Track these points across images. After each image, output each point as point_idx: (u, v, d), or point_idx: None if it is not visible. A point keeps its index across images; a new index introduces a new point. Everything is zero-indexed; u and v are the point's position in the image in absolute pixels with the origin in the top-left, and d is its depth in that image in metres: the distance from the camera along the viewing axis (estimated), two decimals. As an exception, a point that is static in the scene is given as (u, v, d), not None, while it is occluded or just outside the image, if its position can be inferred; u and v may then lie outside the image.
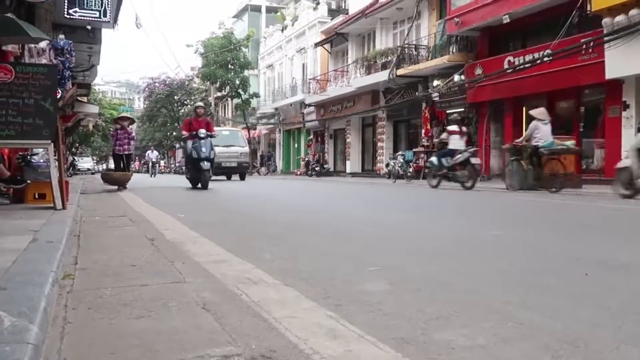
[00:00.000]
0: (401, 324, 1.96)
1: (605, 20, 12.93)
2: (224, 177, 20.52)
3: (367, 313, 2.10)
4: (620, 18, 12.57)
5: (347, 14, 28.49)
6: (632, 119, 13.24)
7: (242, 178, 20.83)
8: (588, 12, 13.35)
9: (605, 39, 13.03)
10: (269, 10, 41.51)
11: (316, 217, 6.38)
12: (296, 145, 35.04)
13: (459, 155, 12.81)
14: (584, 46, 13.66)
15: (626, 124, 13.35)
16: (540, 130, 11.54)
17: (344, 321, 1.95)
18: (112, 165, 16.32)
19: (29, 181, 6.66)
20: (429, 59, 20.21)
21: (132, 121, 14.41)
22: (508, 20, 15.82)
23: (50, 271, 2.39)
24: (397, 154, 20.94)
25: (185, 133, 12.58)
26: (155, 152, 35.55)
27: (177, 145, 50.46)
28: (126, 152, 13.10)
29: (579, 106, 15.53)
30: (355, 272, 2.92)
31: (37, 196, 6.62)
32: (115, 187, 12.24)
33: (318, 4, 31.82)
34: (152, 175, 29.03)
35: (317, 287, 2.52)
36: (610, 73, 13.00)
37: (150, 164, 31.45)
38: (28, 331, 1.57)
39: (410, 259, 3.38)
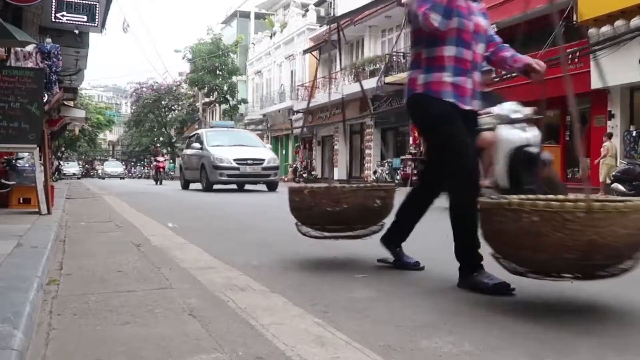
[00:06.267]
0: (388, 330, 1.96)
1: (591, 31, 13.10)
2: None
3: (354, 320, 2.09)
4: (605, 29, 12.74)
5: (335, 21, 28.59)
6: (617, 129, 13.40)
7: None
8: (574, 22, 13.51)
9: (591, 49, 13.19)
10: (258, 16, 41.53)
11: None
12: (284, 152, 35.03)
13: None
14: (570, 56, 13.82)
15: (612, 134, 13.51)
16: None
17: (332, 328, 1.95)
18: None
19: (13, 183, 6.59)
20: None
21: None
22: (495, 30, 15.95)
23: (35, 276, 2.36)
24: (384, 161, 21.00)
25: None
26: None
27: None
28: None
29: (564, 115, 15.68)
30: (343, 278, 2.92)
31: (21, 201, 6.56)
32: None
33: (307, 10, 31.92)
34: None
35: (305, 293, 2.52)
36: (595, 83, 13.15)
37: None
38: (12, 337, 1.55)
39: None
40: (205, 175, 14.06)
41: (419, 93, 2.82)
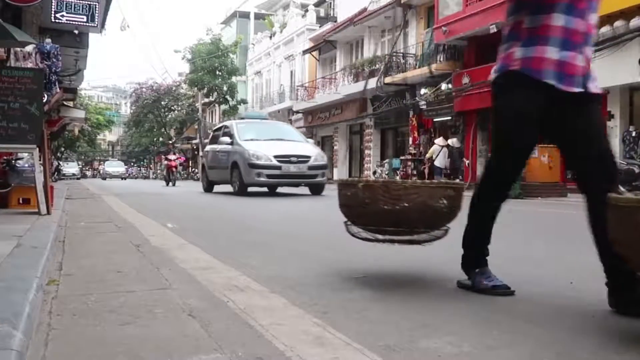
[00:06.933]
0: (388, 331, 1.96)
1: (591, 31, 13.11)
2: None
3: (353, 320, 2.09)
4: (605, 29, 12.74)
5: (335, 21, 28.62)
6: (617, 129, 13.41)
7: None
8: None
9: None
10: (258, 17, 41.56)
11: (303, 224, 6.37)
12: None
13: None
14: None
15: (611, 134, 13.51)
16: None
17: (331, 328, 1.95)
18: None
19: (12, 184, 6.59)
20: (417, 67, 20.33)
21: None
22: (495, 30, 15.95)
23: (34, 277, 2.36)
24: (384, 161, 21.00)
25: None
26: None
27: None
28: None
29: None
30: (342, 279, 2.92)
31: (21, 201, 6.56)
32: None
33: (307, 11, 31.94)
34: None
35: (304, 294, 2.52)
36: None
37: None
38: (12, 337, 1.55)
39: (397, 267, 3.39)
40: (238, 176, 11.84)
41: (515, 70, 2.35)
